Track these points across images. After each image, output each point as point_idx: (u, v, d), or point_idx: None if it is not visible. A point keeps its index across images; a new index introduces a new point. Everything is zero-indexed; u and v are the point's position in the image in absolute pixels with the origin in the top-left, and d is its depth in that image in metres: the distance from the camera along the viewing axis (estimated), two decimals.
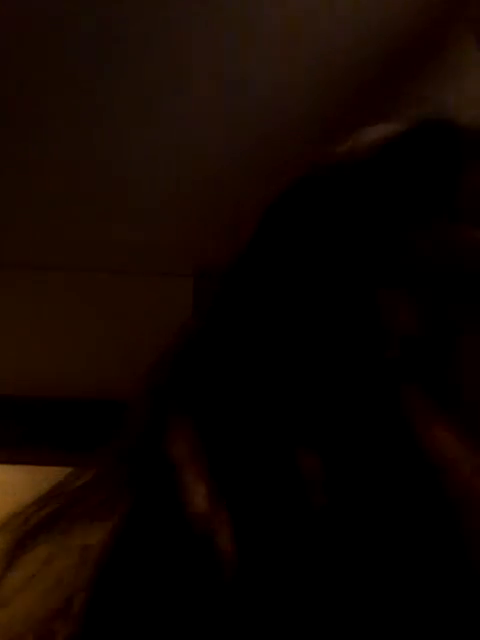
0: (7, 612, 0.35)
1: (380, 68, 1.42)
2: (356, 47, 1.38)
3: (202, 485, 0.30)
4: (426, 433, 0.30)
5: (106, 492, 0.35)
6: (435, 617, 0.28)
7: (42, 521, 0.35)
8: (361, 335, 0.33)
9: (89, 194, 1.70)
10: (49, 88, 1.49)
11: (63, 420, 2.19)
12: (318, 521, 0.29)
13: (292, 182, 0.41)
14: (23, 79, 1.48)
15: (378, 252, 0.35)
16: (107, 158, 1.60)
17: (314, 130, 1.53)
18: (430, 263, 0.34)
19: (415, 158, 0.38)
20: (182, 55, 1.45)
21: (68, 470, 0.36)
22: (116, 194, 1.72)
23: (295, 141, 1.57)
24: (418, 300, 0.33)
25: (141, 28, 1.38)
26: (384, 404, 0.31)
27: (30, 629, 0.34)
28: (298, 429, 0.32)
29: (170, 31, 1.39)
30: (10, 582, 0.34)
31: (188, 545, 0.29)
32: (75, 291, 2.14)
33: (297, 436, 0.31)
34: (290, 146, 1.58)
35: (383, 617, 0.28)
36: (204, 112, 1.52)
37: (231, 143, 1.60)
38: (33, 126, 1.56)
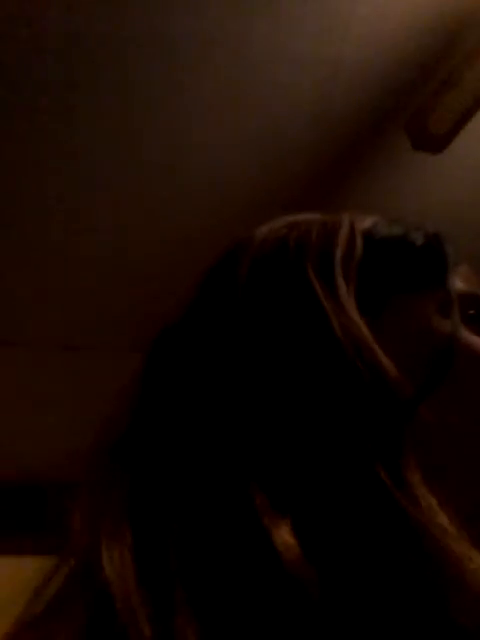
0: None
1: (312, 165, 1.47)
2: (294, 142, 1.40)
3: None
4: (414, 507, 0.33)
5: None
6: None
7: None
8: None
9: (41, 276, 1.71)
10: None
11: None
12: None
13: (228, 255, 0.44)
14: None
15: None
16: (60, 247, 1.60)
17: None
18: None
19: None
20: None
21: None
22: (73, 274, 1.73)
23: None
24: None
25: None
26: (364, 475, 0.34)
27: None
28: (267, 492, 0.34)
29: None
30: None
31: None
32: (25, 365, 2.10)
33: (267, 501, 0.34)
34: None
35: None
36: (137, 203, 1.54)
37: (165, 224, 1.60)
38: None
